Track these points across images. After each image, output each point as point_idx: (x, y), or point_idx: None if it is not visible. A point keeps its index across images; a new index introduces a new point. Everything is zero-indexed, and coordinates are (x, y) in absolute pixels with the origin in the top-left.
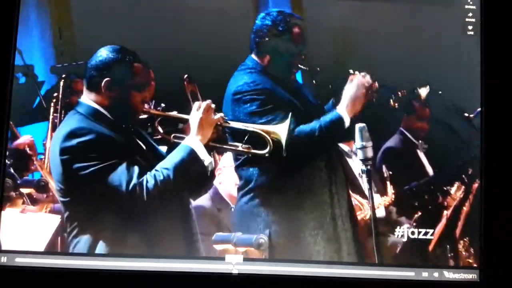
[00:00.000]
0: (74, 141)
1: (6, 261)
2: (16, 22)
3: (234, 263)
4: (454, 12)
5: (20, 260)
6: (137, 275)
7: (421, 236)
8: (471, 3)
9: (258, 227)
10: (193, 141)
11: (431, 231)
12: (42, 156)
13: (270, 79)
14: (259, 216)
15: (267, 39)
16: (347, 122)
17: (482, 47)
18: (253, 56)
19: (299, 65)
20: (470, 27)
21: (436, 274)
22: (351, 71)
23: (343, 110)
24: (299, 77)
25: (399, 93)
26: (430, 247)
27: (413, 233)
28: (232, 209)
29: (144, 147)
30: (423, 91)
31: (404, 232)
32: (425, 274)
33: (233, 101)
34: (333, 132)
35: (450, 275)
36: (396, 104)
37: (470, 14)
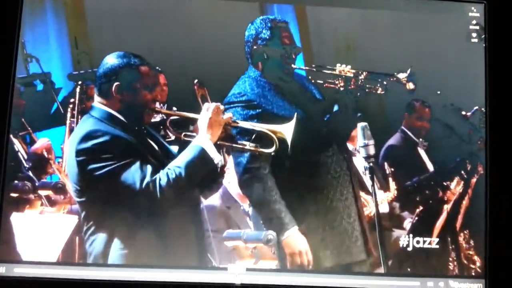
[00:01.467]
0: (89, 143)
1: (5, 272)
2: (18, 30)
3: (237, 274)
4: (458, 20)
5: (19, 271)
6: (137, 285)
7: (426, 245)
8: (475, 10)
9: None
10: (203, 140)
11: (435, 240)
12: (60, 159)
13: (266, 84)
14: None
15: (255, 47)
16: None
17: (486, 54)
18: (251, 66)
19: (292, 65)
20: (474, 35)
21: (441, 284)
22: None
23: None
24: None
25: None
26: (433, 242)
27: (418, 242)
28: (242, 208)
29: (156, 147)
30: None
31: (409, 241)
32: (430, 284)
33: (227, 110)
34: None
35: (455, 284)
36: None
37: (474, 22)
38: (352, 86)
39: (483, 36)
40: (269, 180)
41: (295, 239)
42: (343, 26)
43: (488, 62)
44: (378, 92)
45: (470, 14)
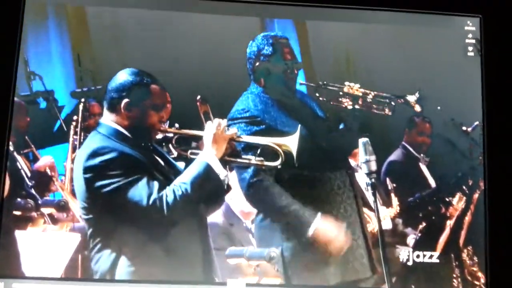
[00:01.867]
0: (97, 160)
1: (3, 287)
2: (19, 46)
3: None
4: (455, 34)
5: (18, 286)
6: None
7: (426, 260)
8: (470, 24)
9: (274, 241)
10: (208, 156)
11: (435, 254)
12: (63, 177)
13: (269, 100)
14: (275, 230)
15: (257, 64)
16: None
17: (482, 67)
18: (253, 82)
19: (299, 81)
20: (470, 48)
21: None
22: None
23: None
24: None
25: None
26: (436, 258)
27: (418, 256)
28: (244, 225)
29: (163, 163)
30: (412, 98)
31: (409, 255)
32: None
33: (231, 126)
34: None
35: None
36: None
37: (470, 36)
38: (359, 106)
39: (479, 49)
40: (275, 188)
41: (323, 227)
42: (341, 40)
43: (485, 76)
44: (385, 113)
45: (466, 28)
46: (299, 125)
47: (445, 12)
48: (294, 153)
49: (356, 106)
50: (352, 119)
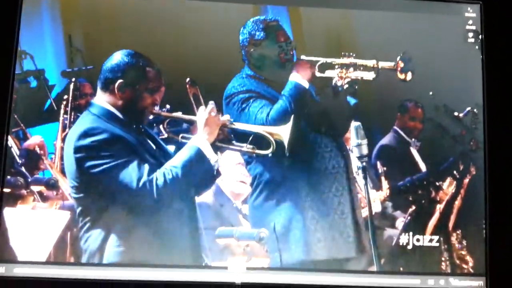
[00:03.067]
0: (88, 140)
1: (5, 272)
2: (18, 27)
3: (237, 273)
4: (455, 20)
5: (19, 271)
6: (141, 285)
7: (414, 242)
8: (471, 11)
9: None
10: (200, 140)
11: (425, 237)
12: (53, 156)
13: (263, 82)
14: (267, 210)
15: (252, 50)
16: (306, 85)
17: (483, 54)
18: (247, 66)
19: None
20: (470, 35)
21: (442, 282)
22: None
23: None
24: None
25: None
26: (425, 241)
27: (407, 239)
28: (234, 205)
29: (154, 147)
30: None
31: (398, 238)
32: (431, 282)
33: (226, 104)
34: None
35: (456, 282)
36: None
37: (470, 22)
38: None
39: (479, 36)
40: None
41: None
42: (337, 26)
43: (485, 62)
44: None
45: (466, 14)
46: (292, 116)
47: None
48: (286, 143)
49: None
50: (343, 95)
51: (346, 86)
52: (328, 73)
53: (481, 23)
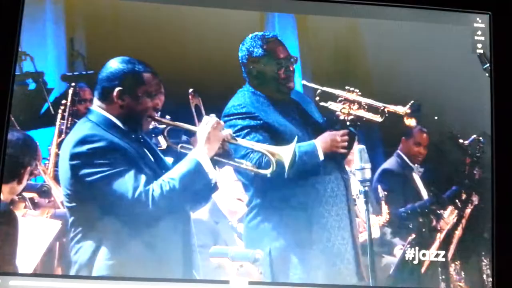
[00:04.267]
0: (85, 147)
1: (1, 283)
2: (19, 28)
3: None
4: (463, 31)
5: (14, 283)
6: None
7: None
8: (480, 21)
9: (262, 242)
10: (200, 154)
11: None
12: (46, 161)
13: (265, 100)
14: (263, 232)
15: (251, 67)
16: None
17: (491, 65)
18: (248, 83)
19: (292, 77)
20: (479, 46)
21: None
22: (348, 87)
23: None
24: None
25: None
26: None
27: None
28: (230, 223)
29: (152, 157)
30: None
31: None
32: None
33: (225, 122)
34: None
35: None
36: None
37: (479, 33)
38: (354, 110)
39: (488, 48)
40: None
41: None
42: (343, 35)
43: (493, 72)
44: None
45: (475, 25)
46: (296, 137)
47: (453, 8)
48: (286, 166)
49: (351, 111)
50: (348, 123)
51: (348, 122)
52: (332, 106)
53: (490, 34)
